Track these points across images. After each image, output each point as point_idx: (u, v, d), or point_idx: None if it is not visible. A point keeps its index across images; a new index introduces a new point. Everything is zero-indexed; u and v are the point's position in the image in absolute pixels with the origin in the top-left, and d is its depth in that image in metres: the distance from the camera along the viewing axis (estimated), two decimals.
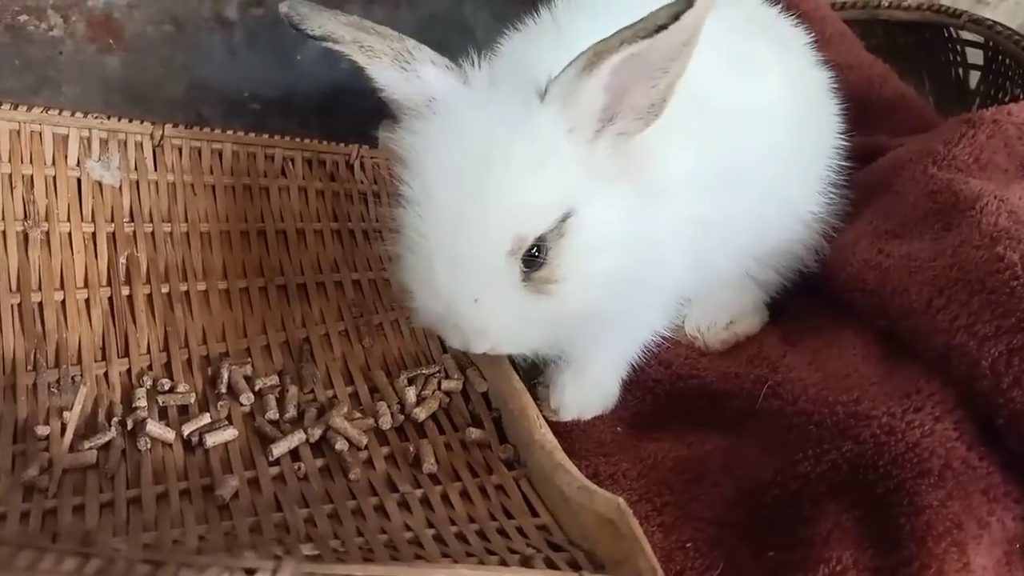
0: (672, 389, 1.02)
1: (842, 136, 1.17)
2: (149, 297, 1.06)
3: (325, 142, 1.30)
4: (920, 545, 0.77)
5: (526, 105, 0.82)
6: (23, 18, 1.39)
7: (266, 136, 1.25)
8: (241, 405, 0.97)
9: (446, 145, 0.83)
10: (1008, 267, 0.88)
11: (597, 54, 0.76)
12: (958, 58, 1.66)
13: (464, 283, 0.82)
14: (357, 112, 1.34)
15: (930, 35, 1.67)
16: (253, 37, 1.56)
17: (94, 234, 1.06)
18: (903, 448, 0.83)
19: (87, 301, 1.02)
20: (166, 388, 0.97)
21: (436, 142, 0.84)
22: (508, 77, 0.86)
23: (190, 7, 1.46)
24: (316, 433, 0.93)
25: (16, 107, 1.06)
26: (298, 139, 1.28)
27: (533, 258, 0.83)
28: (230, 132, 1.22)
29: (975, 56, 1.63)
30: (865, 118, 1.35)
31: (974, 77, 1.64)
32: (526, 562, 0.73)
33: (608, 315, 0.89)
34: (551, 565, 0.74)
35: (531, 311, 0.84)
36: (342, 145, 1.32)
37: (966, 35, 1.62)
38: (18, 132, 1.06)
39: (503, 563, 0.73)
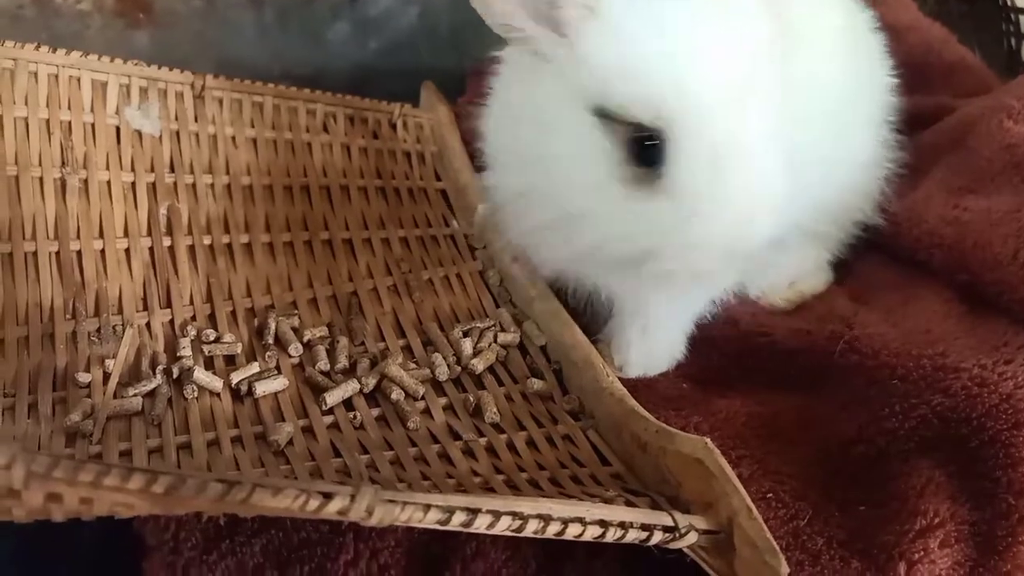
0: (740, 347, 0.98)
1: (891, 74, 1.10)
2: (191, 249, 1.01)
3: (368, 99, 1.26)
4: (1018, 497, 0.75)
5: None
6: None
7: (307, 91, 1.21)
8: (290, 356, 0.92)
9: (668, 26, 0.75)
10: None
11: None
12: (1011, 27, 1.61)
13: None
14: (388, 93, 1.31)
15: (982, 3, 1.63)
16: (284, 15, 1.52)
17: (133, 183, 1.02)
18: (996, 400, 0.80)
19: (127, 251, 0.98)
20: (211, 338, 0.93)
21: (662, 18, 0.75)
22: None
23: None
24: (370, 383, 0.88)
25: (55, 51, 1.02)
26: (339, 95, 1.23)
27: None
28: (271, 85, 1.18)
29: None
30: (925, 81, 1.31)
31: None
32: (607, 503, 0.68)
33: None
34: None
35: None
36: (384, 103, 1.28)
37: (1022, 2, 1.57)
38: (56, 77, 1.02)
39: None
